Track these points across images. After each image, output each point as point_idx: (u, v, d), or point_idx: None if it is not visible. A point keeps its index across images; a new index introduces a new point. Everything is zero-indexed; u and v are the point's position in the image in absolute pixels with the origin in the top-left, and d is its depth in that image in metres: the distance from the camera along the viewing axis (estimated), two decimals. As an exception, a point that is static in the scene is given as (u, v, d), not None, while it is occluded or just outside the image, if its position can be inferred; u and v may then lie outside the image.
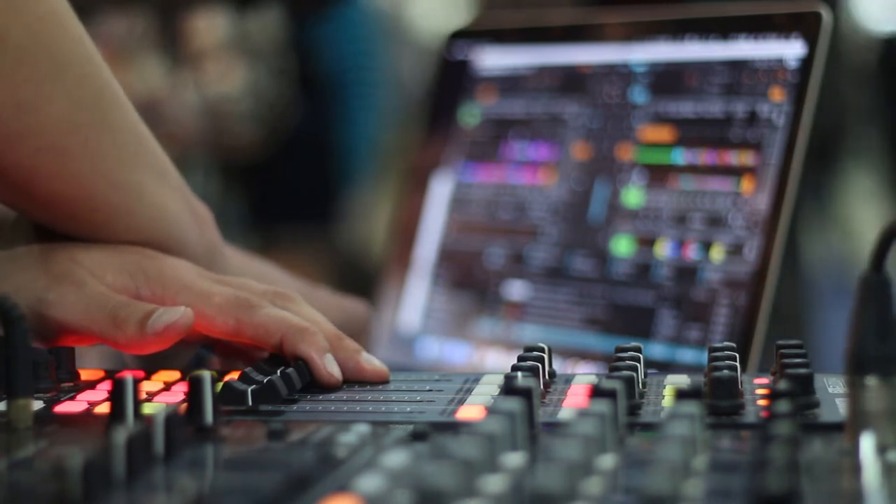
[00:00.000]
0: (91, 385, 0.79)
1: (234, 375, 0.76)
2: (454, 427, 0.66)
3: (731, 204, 0.99)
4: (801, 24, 0.98)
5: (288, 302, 0.82)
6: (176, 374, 0.81)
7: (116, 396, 0.67)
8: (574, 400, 0.73)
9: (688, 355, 0.98)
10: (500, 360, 1.08)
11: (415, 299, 1.16)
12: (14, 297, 0.77)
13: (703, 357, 0.81)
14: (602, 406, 0.59)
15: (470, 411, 0.71)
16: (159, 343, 0.78)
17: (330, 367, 0.79)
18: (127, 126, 0.83)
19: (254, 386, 0.74)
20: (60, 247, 0.82)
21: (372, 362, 0.80)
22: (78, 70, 0.79)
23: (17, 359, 0.68)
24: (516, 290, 1.10)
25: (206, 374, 0.68)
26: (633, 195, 1.05)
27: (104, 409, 0.72)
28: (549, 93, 1.12)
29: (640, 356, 0.74)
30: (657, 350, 0.99)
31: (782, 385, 0.64)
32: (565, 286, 1.07)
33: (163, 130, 2.06)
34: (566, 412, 0.70)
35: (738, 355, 0.73)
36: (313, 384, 0.78)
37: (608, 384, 0.63)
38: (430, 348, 1.14)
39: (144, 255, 0.83)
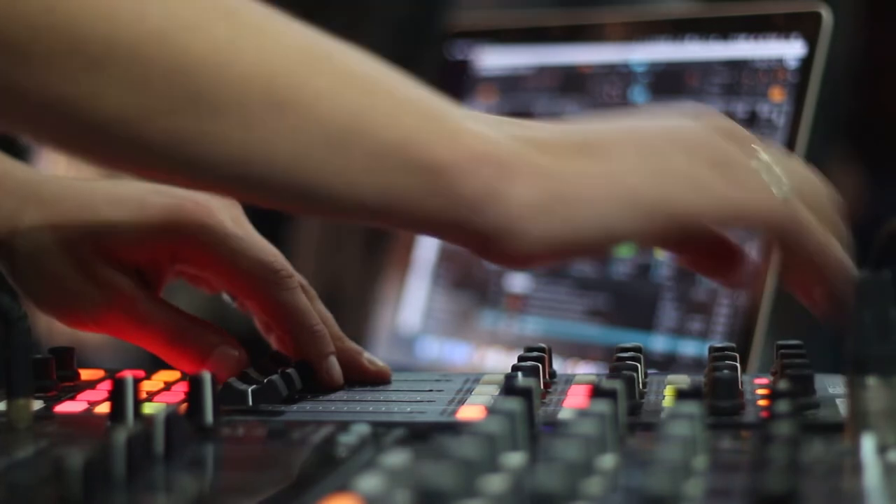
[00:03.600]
0: (91, 385, 0.79)
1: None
2: (454, 427, 0.66)
3: (731, 204, 0.99)
4: (801, 24, 0.98)
5: (310, 298, 0.81)
6: (176, 374, 0.81)
7: (116, 396, 0.67)
8: (574, 400, 0.73)
9: (690, 347, 0.98)
10: (500, 360, 1.08)
11: (415, 299, 1.16)
12: (60, 302, 0.79)
13: (705, 349, 0.82)
14: (602, 406, 0.59)
15: (470, 411, 0.71)
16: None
17: (331, 373, 0.79)
18: None
19: (254, 386, 0.74)
20: (87, 234, 0.80)
21: (374, 363, 0.81)
22: None
23: (17, 359, 0.68)
24: (517, 281, 1.10)
25: (206, 375, 0.68)
26: (633, 195, 1.05)
27: (104, 409, 0.72)
28: (549, 93, 1.12)
29: (641, 356, 0.74)
30: (659, 342, 0.99)
31: (782, 385, 0.64)
32: (565, 285, 1.07)
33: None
34: (566, 412, 0.70)
35: (738, 355, 0.73)
36: (313, 384, 0.78)
37: (608, 384, 0.63)
38: (430, 348, 1.14)
39: (173, 199, 0.81)
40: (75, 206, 0.81)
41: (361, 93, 0.67)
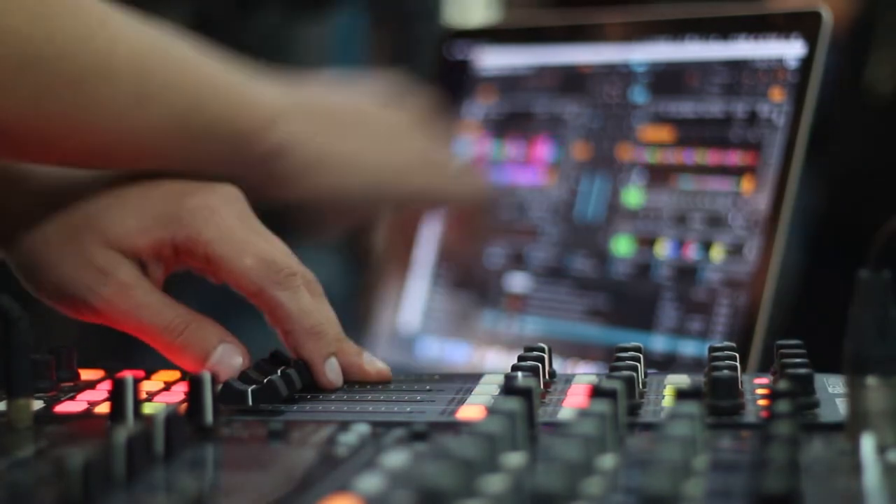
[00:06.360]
0: (91, 385, 0.79)
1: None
2: (454, 427, 0.66)
3: (731, 204, 0.99)
4: (801, 24, 0.98)
5: (314, 294, 0.81)
6: (176, 374, 0.81)
7: (116, 396, 0.67)
8: (574, 400, 0.73)
9: (689, 347, 0.98)
10: (500, 360, 1.08)
11: (415, 299, 1.16)
12: (60, 290, 0.81)
13: (705, 349, 0.82)
14: (602, 406, 0.59)
15: (470, 411, 0.71)
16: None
17: (330, 374, 0.79)
18: None
19: (254, 386, 0.74)
20: (88, 224, 0.81)
21: (374, 363, 0.80)
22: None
23: (17, 359, 0.68)
24: (517, 282, 1.10)
25: (206, 375, 0.68)
26: (633, 195, 1.05)
27: (104, 409, 0.72)
28: (549, 93, 1.12)
29: (641, 356, 0.74)
30: (659, 342, 0.99)
31: (782, 385, 0.64)
32: (565, 285, 1.07)
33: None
34: (566, 412, 0.70)
35: (738, 355, 0.73)
36: (313, 384, 0.78)
37: (608, 384, 0.63)
38: (430, 348, 1.14)
39: (177, 193, 0.82)
40: (79, 202, 0.82)
41: (194, 81, 0.86)
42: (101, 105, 0.81)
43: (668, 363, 0.98)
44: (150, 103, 0.83)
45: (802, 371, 0.70)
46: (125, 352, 0.98)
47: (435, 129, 1.08)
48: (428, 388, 0.77)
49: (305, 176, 0.95)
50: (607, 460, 0.57)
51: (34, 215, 0.83)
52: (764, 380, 0.75)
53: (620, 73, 1.08)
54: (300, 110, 0.94)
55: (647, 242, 1.03)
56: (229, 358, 0.78)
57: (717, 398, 0.69)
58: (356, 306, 1.20)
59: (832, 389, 0.72)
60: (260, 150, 0.90)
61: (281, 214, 0.94)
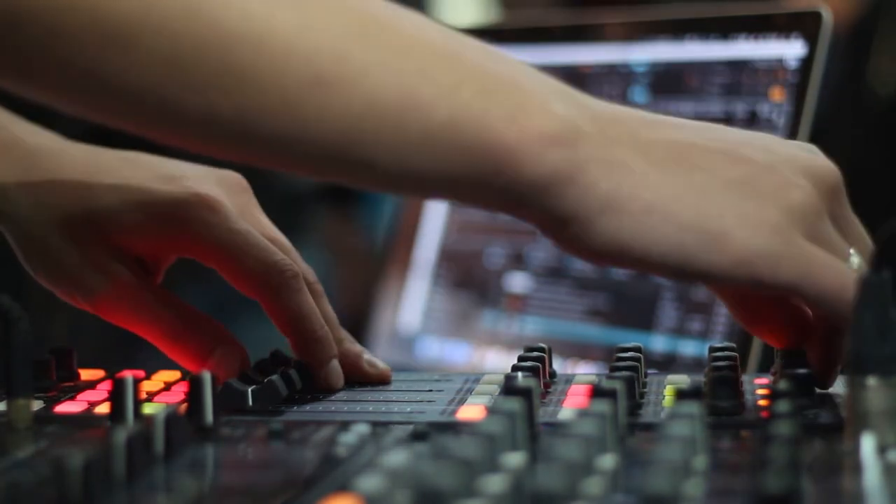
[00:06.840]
0: (91, 385, 0.79)
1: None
2: (454, 427, 0.66)
3: (731, 204, 0.99)
4: (801, 24, 0.98)
5: (316, 295, 0.81)
6: (176, 374, 0.81)
7: (116, 396, 0.67)
8: (574, 400, 0.73)
9: (689, 347, 0.98)
10: (500, 360, 1.08)
11: (415, 299, 1.16)
12: (58, 283, 0.79)
13: (705, 349, 0.81)
14: (602, 406, 0.59)
15: (470, 411, 0.71)
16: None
17: (332, 377, 0.78)
18: None
19: (254, 386, 0.74)
20: (87, 220, 0.79)
21: (375, 364, 0.80)
22: None
23: (17, 359, 0.68)
24: (517, 282, 1.10)
25: (206, 375, 0.68)
26: (633, 195, 1.05)
27: (104, 409, 0.72)
28: (549, 93, 1.12)
29: (641, 356, 0.74)
30: (659, 342, 0.99)
31: (782, 385, 0.64)
32: (565, 285, 1.07)
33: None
34: (566, 412, 0.70)
35: (738, 355, 0.73)
36: (313, 384, 0.78)
37: (608, 384, 0.63)
38: (430, 348, 1.14)
39: (177, 186, 0.80)
40: (78, 189, 0.80)
41: (416, 65, 0.63)
42: (254, 83, 0.62)
43: (668, 363, 0.98)
44: (336, 90, 0.63)
45: (802, 371, 0.70)
46: (125, 352, 0.98)
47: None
48: (428, 388, 0.77)
49: (589, 222, 0.64)
50: (607, 460, 0.57)
51: (29, 196, 0.80)
52: (764, 380, 0.75)
53: (620, 73, 1.08)
54: (603, 132, 0.65)
55: (647, 242, 1.03)
56: (229, 358, 0.78)
57: (717, 398, 0.69)
58: (355, 306, 1.21)
59: (832, 389, 0.72)
60: (531, 173, 0.63)
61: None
